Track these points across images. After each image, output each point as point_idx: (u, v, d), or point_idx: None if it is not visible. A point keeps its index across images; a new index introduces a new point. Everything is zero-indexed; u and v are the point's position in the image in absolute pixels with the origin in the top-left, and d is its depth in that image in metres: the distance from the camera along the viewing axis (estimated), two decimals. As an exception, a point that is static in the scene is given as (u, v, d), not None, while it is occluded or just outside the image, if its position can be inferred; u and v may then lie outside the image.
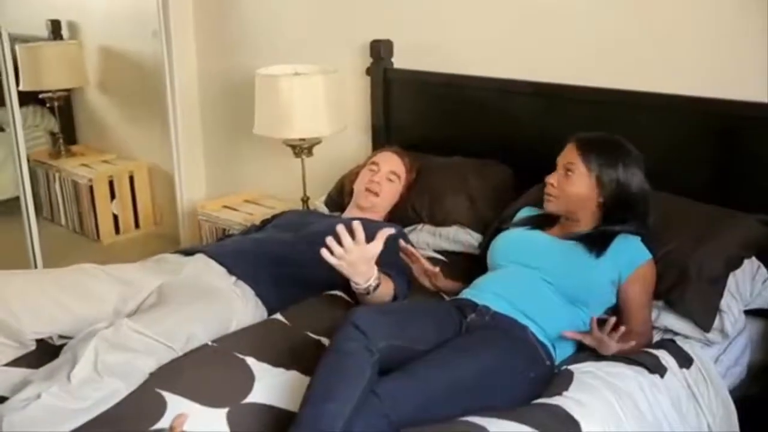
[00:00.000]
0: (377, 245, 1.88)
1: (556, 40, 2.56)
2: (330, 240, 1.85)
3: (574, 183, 2.00)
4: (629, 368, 1.83)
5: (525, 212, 2.23)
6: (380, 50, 2.99)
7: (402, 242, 2.13)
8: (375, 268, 1.93)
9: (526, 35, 2.64)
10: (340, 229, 1.85)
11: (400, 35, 2.99)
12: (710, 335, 1.98)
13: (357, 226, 1.87)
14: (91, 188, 4.19)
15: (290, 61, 3.13)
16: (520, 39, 2.66)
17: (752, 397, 2.09)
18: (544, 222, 2.12)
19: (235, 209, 3.50)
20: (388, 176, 2.54)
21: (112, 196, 4.28)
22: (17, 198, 3.50)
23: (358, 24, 3.11)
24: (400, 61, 3.01)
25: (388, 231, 1.92)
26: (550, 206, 2.07)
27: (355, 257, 1.86)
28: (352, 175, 2.69)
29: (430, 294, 2.18)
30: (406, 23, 2.97)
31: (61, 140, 4.55)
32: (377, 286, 1.95)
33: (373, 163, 2.59)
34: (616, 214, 1.99)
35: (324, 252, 1.86)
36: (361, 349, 1.57)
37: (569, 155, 2.01)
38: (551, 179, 2.04)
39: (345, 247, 1.85)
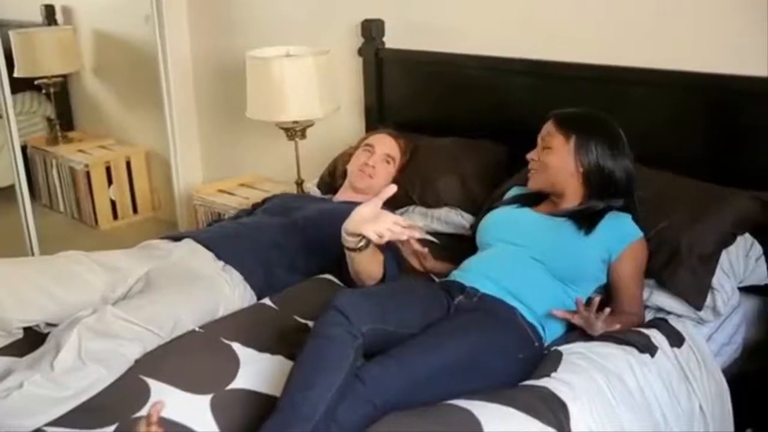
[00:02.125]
0: (376, 203, 1.84)
1: (549, 18, 2.52)
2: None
3: (553, 154, 2.00)
4: (619, 348, 1.81)
5: (514, 191, 2.21)
6: (372, 30, 2.95)
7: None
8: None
9: (519, 13, 2.60)
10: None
11: (391, 14, 2.95)
12: (702, 314, 1.96)
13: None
14: (88, 174, 4.19)
15: (282, 43, 3.10)
16: (513, 17, 2.62)
17: (747, 375, 2.07)
18: (532, 200, 2.10)
19: (230, 193, 3.48)
20: (384, 158, 2.52)
21: (110, 181, 4.27)
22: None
23: (349, 4, 3.07)
24: (392, 40, 2.98)
25: (390, 190, 1.87)
26: (533, 182, 2.06)
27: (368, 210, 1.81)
28: (345, 157, 2.67)
29: (420, 276, 2.16)
30: (397, 2, 2.93)
31: (57, 126, 4.53)
32: (368, 243, 1.86)
33: (368, 144, 2.56)
34: (600, 188, 1.97)
35: None
36: (344, 334, 1.55)
37: (548, 129, 2.03)
38: (532, 154, 2.05)
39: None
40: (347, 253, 1.92)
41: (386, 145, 2.55)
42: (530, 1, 2.57)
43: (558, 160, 1.99)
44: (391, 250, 2.12)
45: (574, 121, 2.01)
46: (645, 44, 2.32)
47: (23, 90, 4.47)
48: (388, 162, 2.53)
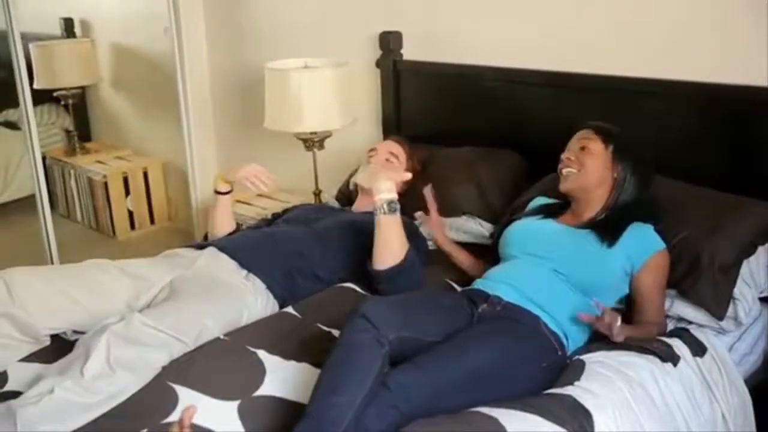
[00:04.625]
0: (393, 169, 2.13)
1: (566, 29, 2.55)
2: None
3: (593, 157, 2.02)
4: (642, 357, 1.82)
5: (538, 201, 2.22)
6: (389, 42, 2.98)
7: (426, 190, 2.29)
8: (395, 192, 2.09)
9: (535, 24, 2.63)
10: None
11: (409, 26, 2.98)
12: (724, 323, 1.96)
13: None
14: (105, 185, 4.22)
15: (300, 55, 3.13)
16: (529, 28, 2.64)
17: (768, 385, 2.08)
18: (556, 211, 2.11)
19: (248, 203, 3.50)
20: (386, 157, 2.55)
21: (127, 192, 4.30)
22: (34, 195, 3.54)
23: (367, 16, 3.10)
24: (410, 52, 3.00)
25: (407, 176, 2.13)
26: (568, 182, 2.05)
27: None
28: (355, 173, 2.70)
29: (442, 285, 2.18)
30: (414, 14, 2.96)
31: (75, 137, 4.58)
32: (395, 208, 2.05)
33: (372, 149, 2.61)
34: (625, 197, 1.99)
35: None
36: (371, 341, 1.57)
37: (584, 134, 2.06)
38: (567, 154, 2.06)
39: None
40: (376, 220, 2.05)
41: (389, 147, 2.60)
42: (547, 13, 2.59)
43: (596, 162, 2.01)
44: (416, 243, 2.17)
45: (612, 132, 2.05)
46: (661, 55, 2.33)
47: (42, 102, 4.50)
48: (390, 161, 2.55)
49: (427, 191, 2.27)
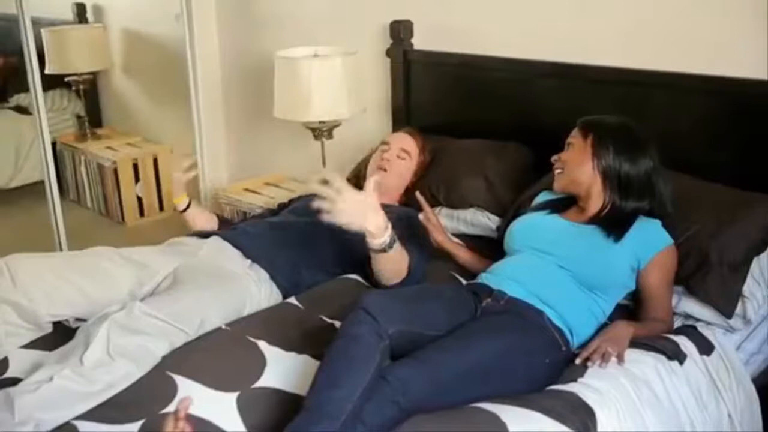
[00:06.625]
0: (369, 191, 1.85)
1: (577, 21, 2.51)
2: (316, 202, 1.82)
3: (573, 152, 2.01)
4: (647, 355, 1.80)
5: (544, 196, 2.19)
6: (400, 31, 2.95)
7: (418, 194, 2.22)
8: (387, 221, 1.88)
9: (547, 16, 2.59)
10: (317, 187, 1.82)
11: (420, 16, 2.95)
12: (732, 322, 1.94)
13: (332, 176, 1.83)
14: (115, 171, 4.23)
15: (311, 43, 3.11)
16: (541, 20, 2.61)
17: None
18: (562, 206, 2.08)
19: (256, 192, 3.50)
20: (398, 153, 2.52)
21: (137, 178, 4.31)
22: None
23: (378, 5, 3.08)
24: (420, 42, 2.97)
25: (375, 178, 1.92)
26: (557, 182, 2.06)
27: (349, 204, 1.80)
28: (368, 160, 2.67)
29: (446, 278, 2.16)
30: (425, 4, 2.93)
31: (86, 123, 4.58)
32: (393, 242, 1.90)
33: (385, 143, 2.58)
34: (619, 189, 1.95)
35: (322, 214, 1.82)
36: (371, 334, 1.56)
37: (572, 133, 2.04)
38: (555, 156, 2.06)
39: (332, 197, 1.80)
40: (372, 254, 1.93)
41: (402, 141, 2.56)
42: (558, 4, 2.56)
43: (577, 156, 1.99)
44: (417, 245, 2.12)
45: (595, 122, 2.03)
46: (670, 48, 2.30)
47: (54, 87, 4.51)
48: (402, 157, 2.52)
49: (419, 196, 2.23)
